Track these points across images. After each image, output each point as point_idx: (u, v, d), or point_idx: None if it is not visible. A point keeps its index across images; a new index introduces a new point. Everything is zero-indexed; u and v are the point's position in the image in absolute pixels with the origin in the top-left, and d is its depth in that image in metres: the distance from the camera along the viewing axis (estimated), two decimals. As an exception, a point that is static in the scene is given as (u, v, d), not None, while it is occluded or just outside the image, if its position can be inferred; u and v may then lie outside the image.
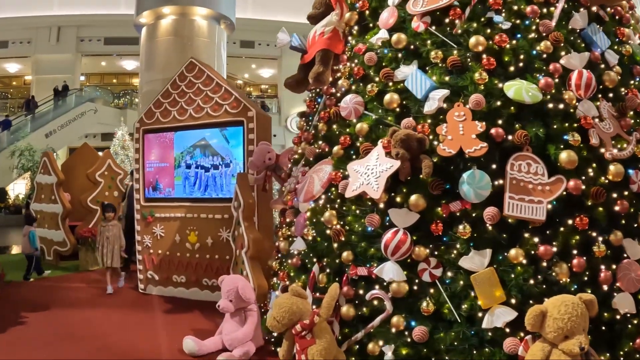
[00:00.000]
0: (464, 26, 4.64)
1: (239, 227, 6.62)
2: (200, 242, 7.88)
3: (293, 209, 5.70)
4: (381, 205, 4.43)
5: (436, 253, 4.20)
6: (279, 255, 5.92)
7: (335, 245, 4.65)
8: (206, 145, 7.98)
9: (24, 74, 38.05)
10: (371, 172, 4.33)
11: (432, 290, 4.15)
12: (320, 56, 5.31)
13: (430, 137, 4.37)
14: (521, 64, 4.51)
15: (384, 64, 4.91)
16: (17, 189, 29.13)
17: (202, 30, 14.07)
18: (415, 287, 4.21)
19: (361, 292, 4.43)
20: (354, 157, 4.83)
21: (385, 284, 4.28)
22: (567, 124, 4.37)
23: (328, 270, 4.75)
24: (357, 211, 4.63)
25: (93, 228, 10.87)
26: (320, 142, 5.42)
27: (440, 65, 4.59)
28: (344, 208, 4.77)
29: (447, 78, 4.52)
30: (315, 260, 4.92)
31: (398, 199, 4.34)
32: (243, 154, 7.59)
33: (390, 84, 4.80)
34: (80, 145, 13.32)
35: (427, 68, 4.65)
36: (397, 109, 4.71)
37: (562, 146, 4.23)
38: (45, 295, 8.39)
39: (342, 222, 4.71)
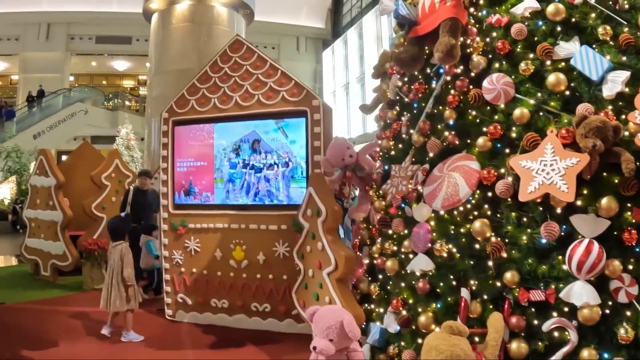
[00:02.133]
0: (630, 0, 3.89)
1: (313, 242, 5.29)
2: (249, 259, 6.52)
3: (402, 217, 4.47)
4: (558, 211, 3.48)
5: (630, 268, 3.35)
6: (379, 276, 4.70)
7: (490, 263, 3.66)
8: (257, 140, 6.56)
9: (11, 73, 36.61)
10: (551, 169, 3.40)
11: (628, 313, 3.28)
12: (449, 26, 4.10)
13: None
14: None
15: (535, 38, 3.93)
16: (2, 192, 27.45)
17: (222, 17, 12.60)
18: (607, 311, 3.32)
19: (535, 322, 3.46)
20: (506, 150, 3.79)
21: (566, 309, 3.36)
22: None
23: (485, 297, 3.69)
24: (524, 219, 3.61)
25: (99, 239, 9.36)
26: (446, 134, 4.21)
27: (610, 43, 3.76)
28: (498, 215, 3.73)
29: (624, 58, 3.68)
30: (454, 283, 3.88)
31: (579, 202, 3.41)
32: (306, 151, 6.26)
33: (548, 62, 3.82)
34: (81, 144, 11.78)
35: (593, 46, 3.76)
36: (567, 92, 3.75)
37: None
38: (47, 323, 6.89)
39: (493, 233, 3.72)
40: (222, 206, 6.70)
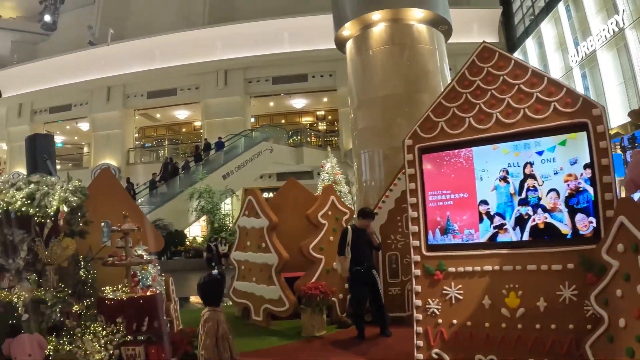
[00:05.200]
0: None
1: (627, 285, 4.20)
2: (525, 306, 5.33)
3: None
4: None
5: None
6: None
7: None
8: (530, 163, 5.44)
9: (194, 120, 38.67)
10: None
11: None
12: None
13: None
14: None
15: None
16: (193, 231, 28.55)
17: (423, 35, 11.67)
18: None
19: None
20: None
21: None
22: None
23: None
24: None
25: (319, 282, 8.65)
26: None
27: None
28: None
29: None
30: None
31: None
32: (592, 172, 5.05)
33: None
34: (287, 181, 11.28)
35: None
36: None
37: None
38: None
39: None
40: (491, 245, 5.62)
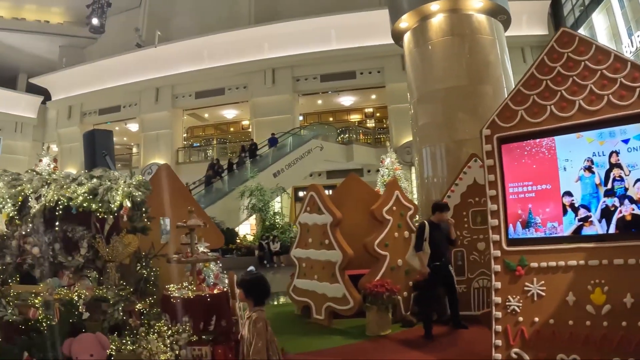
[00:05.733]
0: None
1: None
2: (612, 303, 5.05)
3: None
4: None
5: None
6: None
7: None
8: (616, 151, 5.19)
9: (242, 119, 38.85)
10: None
11: None
12: None
13: None
14: None
15: None
16: (243, 229, 28.62)
17: (483, 25, 11.29)
18: None
19: None
20: None
21: None
22: None
23: None
24: None
25: (384, 280, 8.45)
26: None
27: None
28: None
29: None
30: None
31: None
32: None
33: None
34: (347, 177, 11.11)
35: None
36: None
37: None
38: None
39: None
40: (576, 238, 5.37)
